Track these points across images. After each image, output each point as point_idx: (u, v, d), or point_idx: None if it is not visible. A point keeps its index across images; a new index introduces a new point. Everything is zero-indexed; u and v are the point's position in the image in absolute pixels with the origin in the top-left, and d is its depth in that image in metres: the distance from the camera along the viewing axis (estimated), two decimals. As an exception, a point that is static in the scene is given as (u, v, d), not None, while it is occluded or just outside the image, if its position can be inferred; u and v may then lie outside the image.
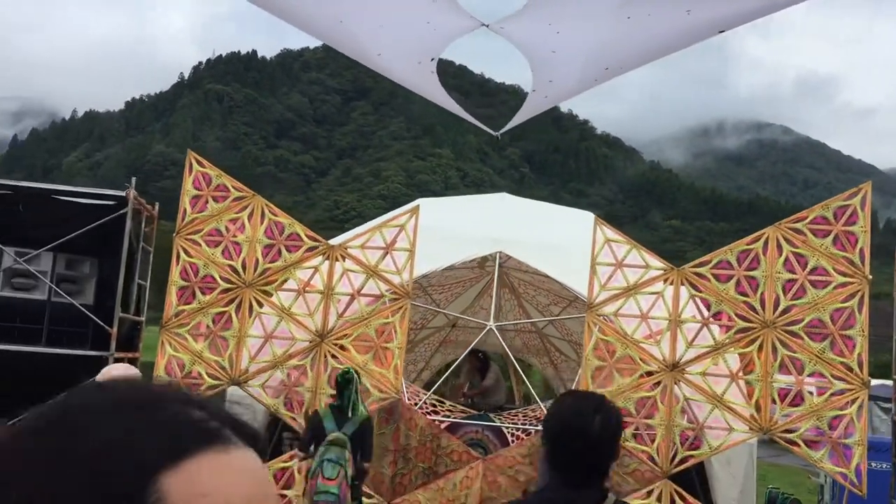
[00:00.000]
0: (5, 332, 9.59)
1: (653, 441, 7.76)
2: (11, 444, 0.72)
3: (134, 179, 9.72)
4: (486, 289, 12.75)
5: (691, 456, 7.83)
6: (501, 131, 7.37)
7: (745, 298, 7.83)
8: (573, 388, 9.78)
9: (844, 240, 7.76)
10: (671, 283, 8.04)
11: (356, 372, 6.96)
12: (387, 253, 8.38)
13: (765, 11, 4.75)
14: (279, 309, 8.43)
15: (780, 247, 7.82)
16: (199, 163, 8.68)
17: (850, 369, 7.55)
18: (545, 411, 8.91)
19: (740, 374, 7.90)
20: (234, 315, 8.33)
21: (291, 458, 7.90)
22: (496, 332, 9.94)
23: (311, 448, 6.69)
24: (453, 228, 10.45)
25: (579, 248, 8.67)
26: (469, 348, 11.21)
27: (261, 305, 8.43)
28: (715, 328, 8.03)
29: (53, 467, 0.69)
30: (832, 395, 7.63)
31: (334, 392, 7.14)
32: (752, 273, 7.86)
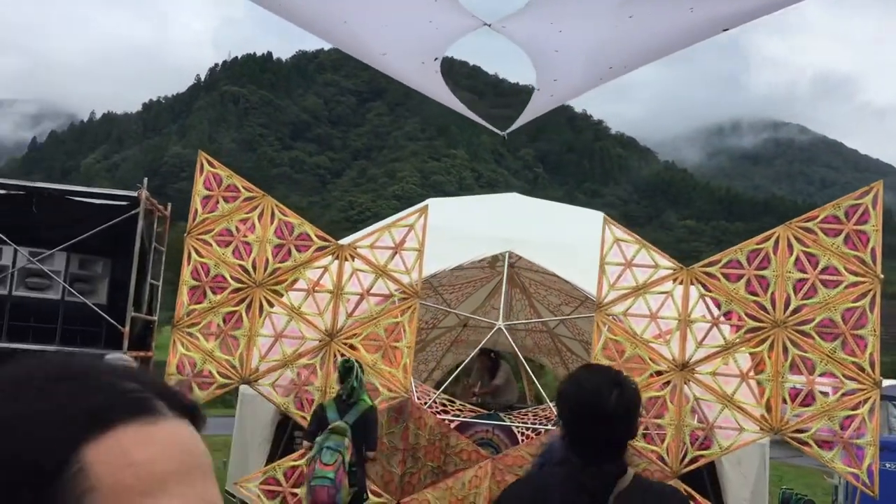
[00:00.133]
0: (20, 332, 9.70)
1: (662, 441, 7.74)
2: None
3: (146, 180, 9.79)
4: (497, 289, 12.73)
5: (701, 456, 7.80)
6: (508, 131, 7.37)
7: (755, 298, 7.80)
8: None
9: (856, 239, 7.71)
10: (681, 283, 8.01)
11: (357, 361, 7.00)
12: (396, 253, 8.40)
13: (768, 10, 4.72)
14: (289, 308, 8.47)
15: (790, 246, 7.78)
16: (209, 163, 8.74)
17: (862, 369, 7.50)
18: (554, 411, 8.91)
19: (751, 373, 7.87)
20: (244, 314, 8.38)
21: (301, 456, 7.93)
22: (505, 331, 9.93)
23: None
24: (462, 228, 10.46)
25: (589, 248, 8.65)
26: (478, 348, 11.21)
27: (271, 305, 8.48)
28: (725, 328, 7.99)
29: None
30: (843, 395, 7.59)
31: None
32: (762, 272, 7.82)
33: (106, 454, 0.70)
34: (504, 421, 9.50)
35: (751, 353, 7.94)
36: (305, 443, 7.30)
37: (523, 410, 10.35)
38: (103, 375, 0.76)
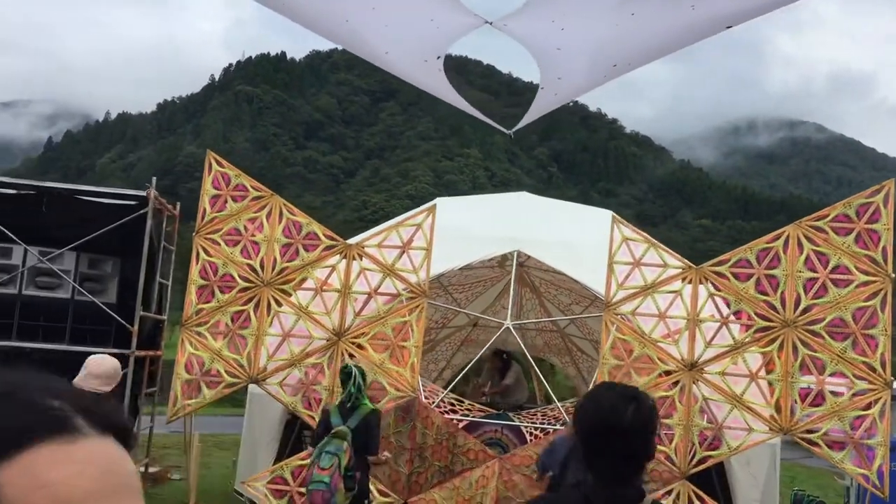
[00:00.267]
0: (30, 331, 9.76)
1: (671, 441, 7.70)
2: None
3: (154, 179, 9.82)
4: (507, 288, 12.71)
5: (710, 456, 7.75)
6: (514, 129, 7.35)
7: (765, 297, 7.74)
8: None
9: (867, 238, 7.63)
10: (689, 282, 7.96)
11: (358, 367, 6.99)
12: (403, 252, 8.39)
13: (770, 7, 4.67)
14: (297, 307, 8.48)
15: (800, 245, 7.72)
16: (218, 163, 8.75)
17: (873, 369, 7.43)
18: (562, 411, 8.89)
19: (760, 373, 7.80)
20: (252, 313, 8.40)
21: (308, 456, 7.93)
22: (513, 330, 9.90)
23: None
24: (471, 227, 10.44)
25: (598, 247, 8.61)
26: (485, 347, 11.18)
27: (279, 304, 8.49)
28: (734, 327, 7.93)
29: None
30: (854, 395, 7.51)
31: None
32: (772, 272, 7.76)
33: (19, 475, 0.68)
34: (513, 421, 9.47)
35: (762, 353, 7.88)
36: (311, 448, 7.31)
37: (532, 410, 10.31)
38: (26, 393, 0.74)
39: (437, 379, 14.37)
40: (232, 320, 8.48)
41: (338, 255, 8.53)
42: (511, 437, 9.28)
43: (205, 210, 8.62)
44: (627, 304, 8.04)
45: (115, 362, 4.44)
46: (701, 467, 7.74)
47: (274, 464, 8.75)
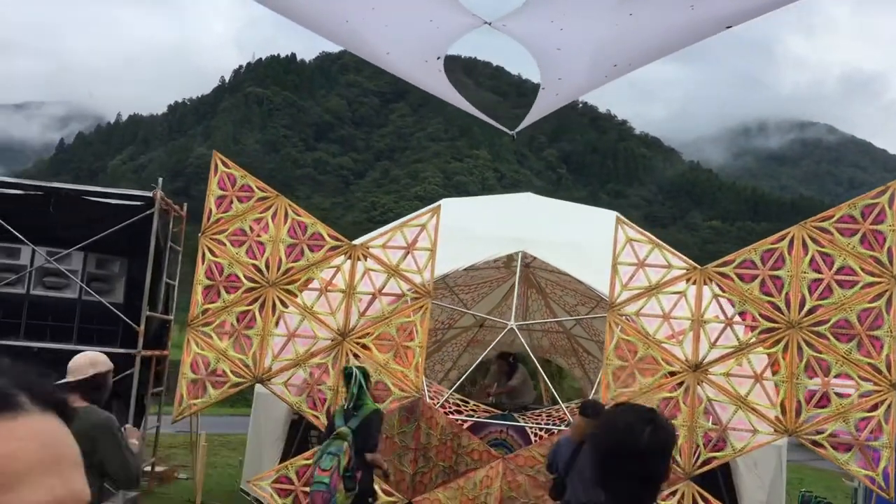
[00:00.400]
0: (38, 330, 9.83)
1: (675, 442, 7.68)
2: None
3: (161, 180, 9.87)
4: (513, 289, 12.73)
5: (714, 457, 7.73)
6: (516, 130, 7.35)
7: (769, 298, 7.71)
8: (596, 388, 9.72)
9: (872, 239, 7.60)
10: (694, 283, 7.95)
11: (359, 368, 7.02)
12: (408, 252, 8.41)
13: (771, 7, 4.66)
14: (302, 308, 8.51)
15: (805, 246, 7.69)
16: (224, 163, 8.80)
17: (878, 371, 7.40)
18: (567, 412, 8.88)
19: (765, 374, 7.78)
20: (257, 314, 8.43)
21: (313, 455, 7.96)
22: (517, 331, 9.90)
23: None
24: (475, 228, 10.45)
25: (603, 248, 8.61)
26: (489, 348, 11.19)
27: (284, 304, 8.52)
28: (739, 328, 7.91)
29: None
30: (860, 396, 7.48)
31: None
32: (777, 273, 7.74)
33: None
34: (518, 421, 9.46)
35: (767, 354, 7.85)
36: (316, 448, 7.35)
37: (537, 411, 10.31)
38: None
39: (444, 380, 14.38)
40: (237, 320, 8.52)
41: (342, 256, 8.56)
42: (516, 438, 9.28)
43: (210, 210, 8.66)
44: (631, 304, 8.03)
45: (88, 356, 4.44)
46: (705, 468, 7.72)
47: (279, 463, 8.79)
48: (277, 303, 8.45)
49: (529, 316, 13.84)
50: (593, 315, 12.02)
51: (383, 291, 8.40)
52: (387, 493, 7.82)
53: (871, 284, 7.48)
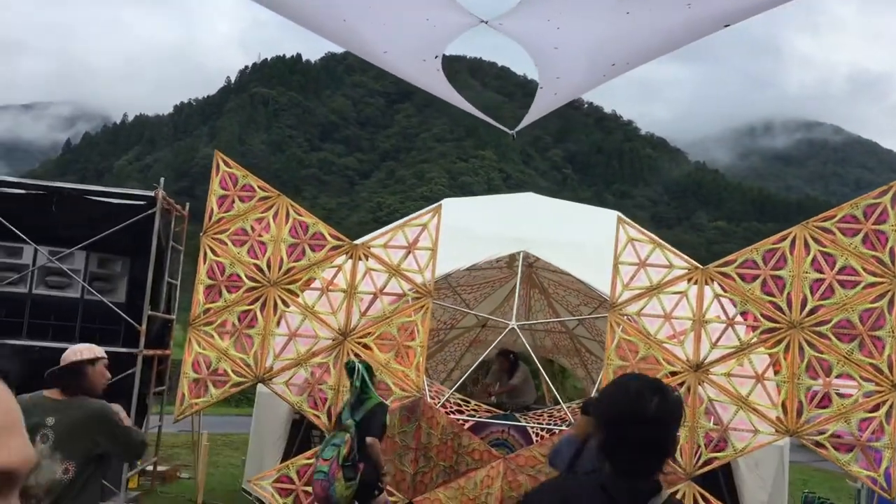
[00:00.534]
0: (40, 330, 9.86)
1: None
2: None
3: (162, 180, 9.90)
4: (516, 289, 12.73)
5: (715, 458, 7.71)
6: (515, 130, 7.34)
7: (771, 298, 7.69)
8: (597, 387, 9.70)
9: (874, 239, 7.57)
10: (695, 283, 7.93)
11: (362, 362, 7.06)
12: (409, 252, 8.41)
13: (769, 5, 4.65)
14: (303, 307, 8.51)
15: (807, 246, 7.66)
16: (225, 163, 8.81)
17: (880, 371, 7.37)
18: (568, 413, 8.87)
19: (766, 374, 7.76)
20: (259, 313, 8.44)
21: (314, 454, 7.96)
22: (518, 331, 9.90)
23: None
24: (477, 228, 10.44)
25: (605, 248, 8.60)
26: (490, 348, 11.19)
27: (285, 304, 8.52)
28: (740, 328, 7.89)
29: None
30: (862, 396, 7.46)
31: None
32: (778, 272, 7.71)
33: None
34: (519, 421, 9.46)
35: (767, 354, 7.83)
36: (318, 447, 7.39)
37: (539, 411, 10.31)
38: None
39: (446, 380, 14.38)
40: (239, 320, 8.52)
41: (344, 256, 8.56)
42: (517, 438, 9.28)
43: (212, 210, 8.68)
44: (633, 304, 8.02)
45: (75, 347, 4.46)
46: (706, 469, 7.70)
47: (280, 462, 8.79)
48: (279, 302, 8.46)
49: (532, 316, 13.83)
50: (596, 315, 12.00)
51: (384, 291, 8.40)
52: (387, 493, 7.81)
53: (873, 284, 7.45)
